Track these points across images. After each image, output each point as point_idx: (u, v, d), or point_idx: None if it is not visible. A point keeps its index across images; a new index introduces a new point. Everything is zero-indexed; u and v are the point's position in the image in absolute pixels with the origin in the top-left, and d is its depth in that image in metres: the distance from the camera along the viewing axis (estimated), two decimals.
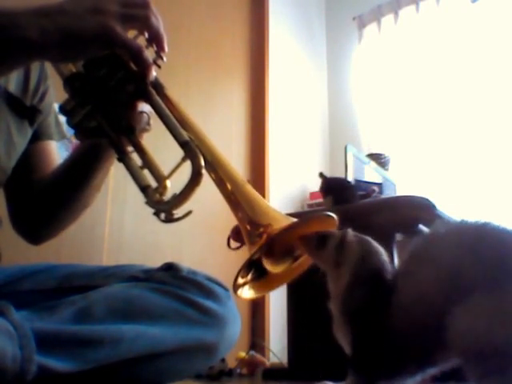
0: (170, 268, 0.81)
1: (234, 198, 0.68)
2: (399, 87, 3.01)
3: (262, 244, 0.62)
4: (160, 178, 0.68)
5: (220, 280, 0.84)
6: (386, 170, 2.57)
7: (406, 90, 2.98)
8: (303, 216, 0.63)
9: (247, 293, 0.69)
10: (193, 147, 0.65)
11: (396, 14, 3.12)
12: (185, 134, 0.67)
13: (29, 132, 0.91)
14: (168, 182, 0.68)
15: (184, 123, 0.70)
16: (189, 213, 0.64)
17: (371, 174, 2.30)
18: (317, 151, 3.15)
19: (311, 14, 3.37)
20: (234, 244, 1.43)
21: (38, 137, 0.94)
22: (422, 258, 0.59)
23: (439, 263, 0.56)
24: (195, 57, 2.43)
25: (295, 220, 0.65)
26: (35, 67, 0.92)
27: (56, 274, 0.86)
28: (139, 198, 0.69)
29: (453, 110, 2.80)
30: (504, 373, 0.49)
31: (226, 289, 0.83)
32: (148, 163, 0.71)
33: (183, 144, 0.66)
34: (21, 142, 0.89)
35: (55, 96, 0.97)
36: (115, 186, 1.90)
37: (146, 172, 0.70)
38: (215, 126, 2.45)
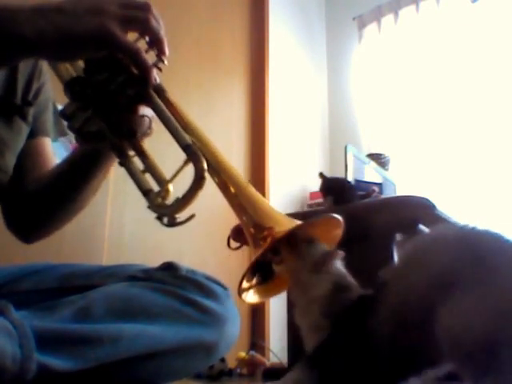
0: (169, 267, 0.81)
1: (237, 201, 0.67)
2: (399, 87, 3.01)
3: (267, 247, 0.62)
4: (162, 182, 0.67)
5: (219, 279, 0.84)
6: (386, 170, 2.57)
7: (406, 90, 2.98)
8: (308, 218, 0.62)
9: (252, 297, 0.69)
10: (195, 150, 0.64)
11: (396, 13, 3.12)
12: (187, 137, 0.66)
13: (23, 127, 0.89)
14: (170, 186, 0.67)
15: (186, 127, 0.69)
16: (192, 216, 0.63)
17: (371, 173, 2.30)
18: (317, 151, 3.15)
19: (311, 14, 3.37)
20: (234, 244, 1.42)
21: (33, 134, 0.93)
22: (411, 261, 0.59)
23: (428, 266, 0.56)
24: (195, 57, 2.43)
25: (299, 222, 0.64)
26: (24, 65, 0.89)
27: (55, 274, 0.86)
28: (139, 198, 0.68)
29: (453, 109, 2.80)
30: (498, 372, 0.49)
31: (225, 288, 0.83)
32: (150, 167, 0.70)
33: (185, 147, 0.65)
34: (13, 138, 0.87)
35: (61, 99, 0.96)
36: (115, 187, 1.90)
37: (148, 176, 0.69)
38: (215, 126, 2.44)
